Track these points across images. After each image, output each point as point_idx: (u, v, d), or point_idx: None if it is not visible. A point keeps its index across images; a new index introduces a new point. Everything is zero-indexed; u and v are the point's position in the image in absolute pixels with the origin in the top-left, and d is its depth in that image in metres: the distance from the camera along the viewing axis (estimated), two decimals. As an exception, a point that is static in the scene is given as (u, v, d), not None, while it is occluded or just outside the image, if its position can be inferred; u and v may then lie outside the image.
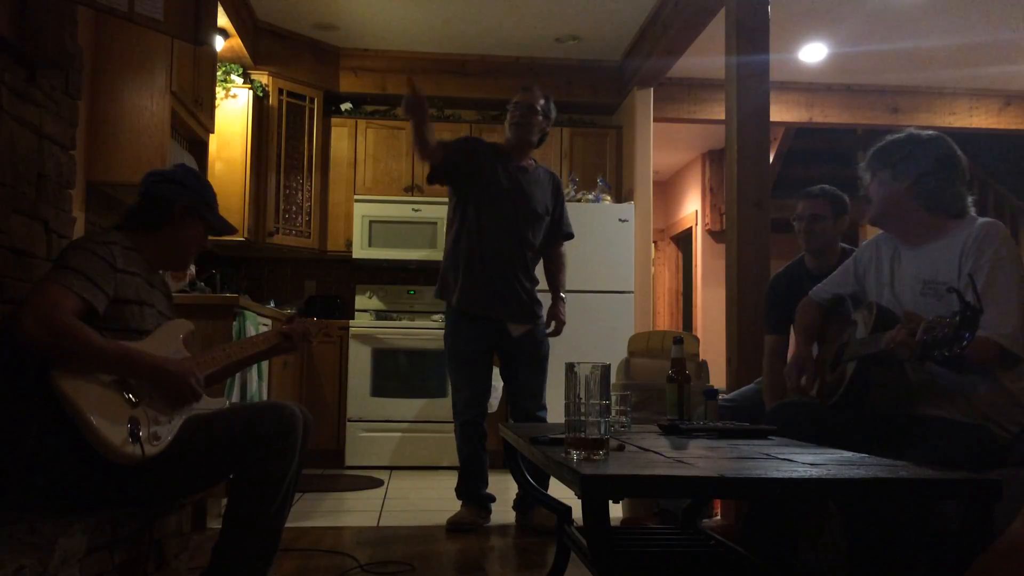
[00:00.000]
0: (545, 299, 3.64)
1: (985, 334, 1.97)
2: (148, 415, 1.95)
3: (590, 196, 5.51)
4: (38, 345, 1.87)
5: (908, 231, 2.32)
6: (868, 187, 2.38)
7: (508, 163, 3.55)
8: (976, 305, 1.76)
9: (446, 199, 5.60)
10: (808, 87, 6.25)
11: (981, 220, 2.23)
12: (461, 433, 3.54)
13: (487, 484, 3.56)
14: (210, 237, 2.35)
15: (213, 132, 4.31)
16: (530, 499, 3.35)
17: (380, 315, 5.76)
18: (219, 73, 4.88)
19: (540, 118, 3.55)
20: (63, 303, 1.89)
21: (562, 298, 3.68)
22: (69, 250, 2.06)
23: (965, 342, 1.77)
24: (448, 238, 3.62)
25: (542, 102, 3.55)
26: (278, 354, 2.49)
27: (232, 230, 2.36)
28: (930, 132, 2.33)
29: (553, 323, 3.64)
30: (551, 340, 3.64)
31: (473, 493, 3.52)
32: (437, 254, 5.69)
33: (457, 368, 3.56)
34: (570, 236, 3.76)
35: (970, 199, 2.31)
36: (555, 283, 3.71)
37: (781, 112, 6.13)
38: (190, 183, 2.26)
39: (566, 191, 5.48)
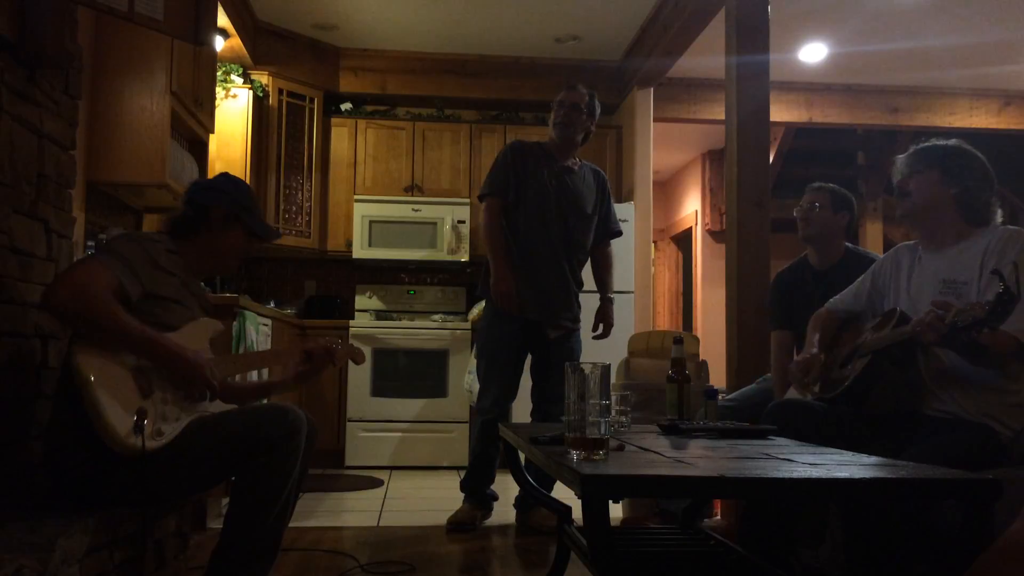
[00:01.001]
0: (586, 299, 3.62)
1: (1005, 328, 1.99)
2: (156, 410, 1.97)
3: (590, 196, 5.51)
4: (66, 313, 1.92)
5: (936, 233, 2.37)
6: (906, 180, 2.41)
7: (553, 164, 3.52)
8: (1015, 289, 1.79)
9: (446, 199, 5.70)
10: (808, 87, 6.24)
11: (1002, 227, 2.31)
12: (481, 430, 3.51)
13: (492, 483, 3.56)
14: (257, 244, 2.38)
15: (213, 132, 4.32)
16: (531, 498, 3.35)
17: (380, 315, 5.76)
18: (219, 73, 4.88)
19: (585, 116, 3.52)
20: (99, 277, 1.94)
21: (610, 299, 3.65)
22: (115, 239, 2.13)
23: (996, 322, 1.82)
24: None
25: (587, 100, 3.52)
26: (307, 380, 2.42)
27: (276, 234, 2.39)
28: (972, 148, 2.41)
29: (601, 325, 3.61)
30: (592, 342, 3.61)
31: (477, 490, 3.51)
32: (437, 254, 5.72)
33: (489, 365, 3.53)
34: (618, 234, 3.71)
35: (1000, 212, 2.38)
36: (603, 283, 3.67)
37: (781, 112, 6.13)
38: (229, 189, 2.30)
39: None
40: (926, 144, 2.44)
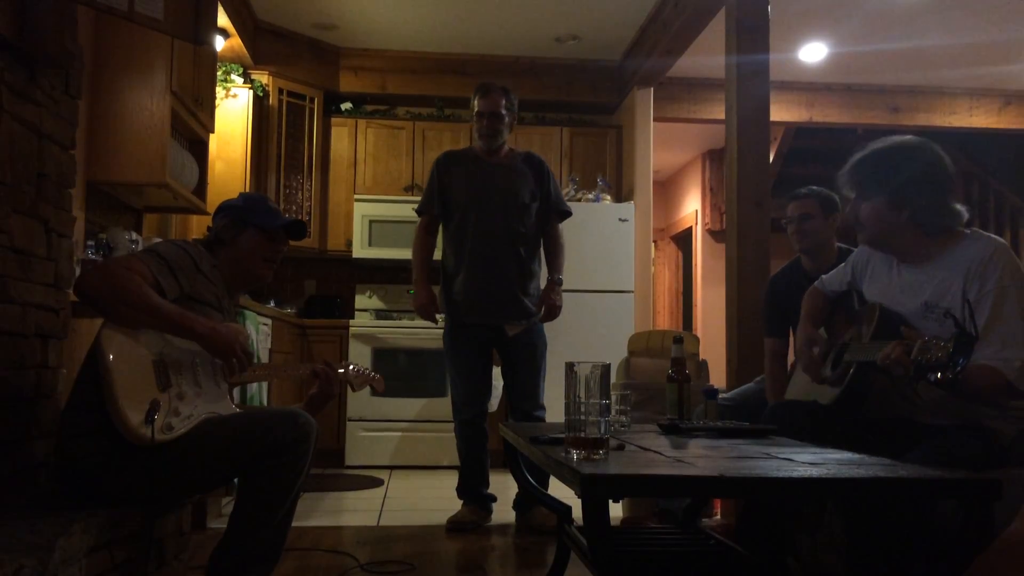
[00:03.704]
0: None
1: (993, 364, 1.96)
2: (170, 405, 1.98)
3: (590, 196, 5.51)
4: (96, 295, 1.95)
5: (907, 252, 2.27)
6: (856, 207, 2.29)
7: (482, 164, 3.53)
8: (971, 331, 1.74)
9: (446, 199, 5.69)
10: (808, 87, 6.25)
11: (984, 240, 2.17)
12: (460, 433, 3.54)
13: (488, 484, 3.56)
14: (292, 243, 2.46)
15: (213, 132, 4.31)
16: (530, 499, 3.35)
17: (380, 314, 5.76)
18: (219, 73, 4.88)
19: (507, 119, 3.52)
20: (132, 266, 1.99)
21: (557, 280, 3.57)
22: (161, 242, 2.17)
23: (959, 367, 1.75)
24: (442, 251, 3.63)
25: (504, 101, 3.50)
26: (318, 406, 2.40)
27: (288, 221, 2.38)
28: (914, 139, 2.26)
29: (544, 308, 3.54)
30: (550, 334, 3.61)
31: (473, 493, 3.52)
32: (437, 253, 5.69)
33: (455, 368, 3.56)
34: (566, 214, 3.64)
35: (964, 208, 2.23)
36: (551, 265, 3.61)
37: (781, 112, 6.13)
38: (233, 203, 2.37)
39: (565, 191, 5.47)
40: (862, 156, 2.27)
